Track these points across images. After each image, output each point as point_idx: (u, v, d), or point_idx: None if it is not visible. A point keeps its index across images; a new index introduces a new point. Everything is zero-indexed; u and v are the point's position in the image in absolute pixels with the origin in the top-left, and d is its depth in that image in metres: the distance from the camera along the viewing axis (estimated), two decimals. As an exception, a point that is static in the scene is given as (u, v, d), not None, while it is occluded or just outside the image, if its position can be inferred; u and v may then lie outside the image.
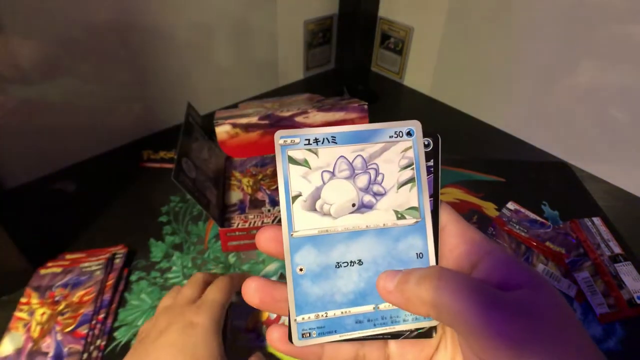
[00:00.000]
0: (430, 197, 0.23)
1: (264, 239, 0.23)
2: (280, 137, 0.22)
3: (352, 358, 0.23)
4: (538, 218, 0.59)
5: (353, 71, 0.95)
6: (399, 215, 0.22)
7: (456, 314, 0.18)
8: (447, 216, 0.22)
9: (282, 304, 0.23)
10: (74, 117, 0.65)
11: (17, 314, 0.45)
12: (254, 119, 0.63)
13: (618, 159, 0.68)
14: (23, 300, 0.46)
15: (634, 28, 0.59)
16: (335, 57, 0.99)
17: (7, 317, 0.44)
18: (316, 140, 0.22)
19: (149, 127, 0.75)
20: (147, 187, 0.64)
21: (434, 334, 0.22)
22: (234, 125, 0.63)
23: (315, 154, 0.22)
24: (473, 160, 0.71)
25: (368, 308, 0.22)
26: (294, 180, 0.22)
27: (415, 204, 0.22)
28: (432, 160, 0.23)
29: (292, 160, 0.22)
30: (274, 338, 0.23)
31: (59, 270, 0.49)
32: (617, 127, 0.66)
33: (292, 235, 0.22)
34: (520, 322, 0.17)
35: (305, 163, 0.22)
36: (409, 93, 0.93)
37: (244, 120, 0.63)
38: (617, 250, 0.54)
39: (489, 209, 0.62)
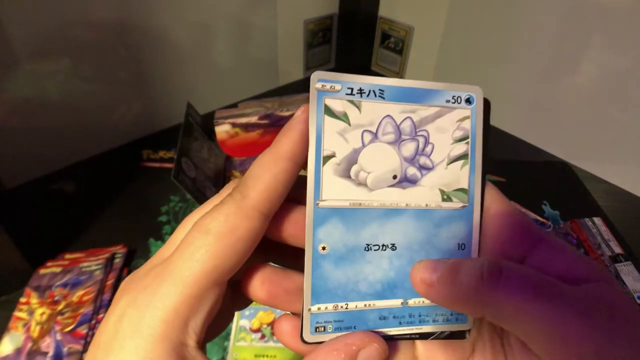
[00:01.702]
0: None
1: (282, 332, 0.19)
2: (318, 80, 0.18)
3: None
4: (538, 218, 0.59)
5: (353, 71, 0.95)
6: (445, 197, 0.19)
7: (522, 315, 0.15)
8: (491, 196, 0.19)
9: (295, 297, 0.19)
10: (73, 117, 0.65)
11: (17, 313, 0.45)
12: (253, 119, 0.63)
13: (618, 158, 0.68)
14: (23, 300, 0.46)
15: (634, 28, 0.59)
16: (335, 57, 0.99)
17: (6, 317, 0.44)
18: (360, 91, 0.18)
19: (149, 127, 0.75)
20: (147, 187, 0.64)
21: (467, 335, 0.19)
22: (234, 125, 0.63)
23: (358, 107, 0.18)
24: (473, 160, 0.70)
25: (395, 302, 0.19)
26: (328, 136, 0.18)
27: (465, 186, 0.19)
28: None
29: (329, 111, 0.18)
30: (282, 331, 0.19)
31: (58, 270, 0.49)
32: (617, 127, 0.66)
33: (317, 204, 0.18)
34: (604, 322, 0.15)
35: (344, 117, 0.18)
36: (409, 93, 0.93)
37: (243, 120, 0.63)
38: (618, 250, 0.54)
39: (489, 208, 0.62)
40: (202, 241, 0.16)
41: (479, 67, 0.80)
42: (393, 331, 0.19)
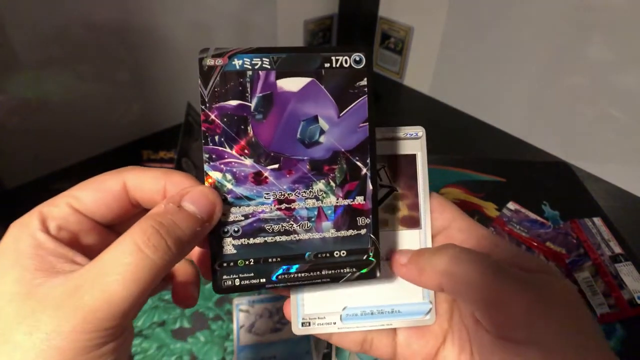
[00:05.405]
0: (364, 122, 0.20)
1: None
2: None
3: (360, 341, 0.23)
4: (538, 218, 0.59)
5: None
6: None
7: (470, 283, 0.19)
8: (452, 213, 0.23)
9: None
10: (73, 117, 0.65)
11: (17, 314, 0.44)
12: (254, 119, 0.63)
13: (618, 158, 0.68)
14: (23, 300, 0.46)
15: (633, 28, 0.59)
16: (335, 57, 0.99)
17: (6, 318, 0.44)
18: None
19: (149, 127, 0.75)
20: (147, 187, 0.64)
21: (377, 274, 0.21)
22: (234, 125, 0.63)
23: None
24: (473, 160, 0.71)
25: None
26: None
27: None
28: (365, 80, 0.21)
29: None
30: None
31: (58, 270, 0.49)
32: (617, 127, 0.66)
33: None
34: (537, 296, 0.18)
35: None
36: (409, 93, 0.93)
37: (244, 120, 0.63)
38: (618, 250, 0.54)
39: (490, 209, 0.62)
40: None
41: (479, 67, 0.80)
42: (303, 278, 0.21)
